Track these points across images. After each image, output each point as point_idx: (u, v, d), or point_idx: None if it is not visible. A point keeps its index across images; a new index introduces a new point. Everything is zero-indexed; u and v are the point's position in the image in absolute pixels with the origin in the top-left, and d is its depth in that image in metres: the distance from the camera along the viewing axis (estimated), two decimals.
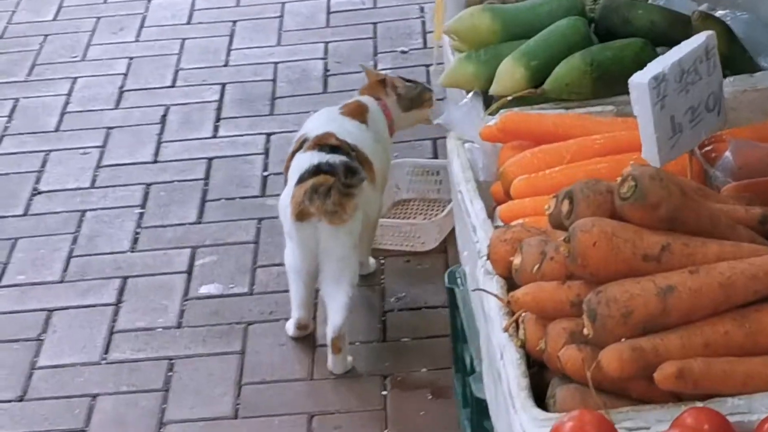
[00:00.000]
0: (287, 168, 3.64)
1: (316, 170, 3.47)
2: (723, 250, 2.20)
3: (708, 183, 2.72)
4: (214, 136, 4.76)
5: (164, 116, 4.93)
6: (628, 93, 3.09)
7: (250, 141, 4.69)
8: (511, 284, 2.33)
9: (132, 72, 5.28)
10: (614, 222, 2.20)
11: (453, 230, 3.79)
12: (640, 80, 2.53)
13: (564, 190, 2.46)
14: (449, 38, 3.41)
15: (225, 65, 5.27)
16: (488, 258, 2.41)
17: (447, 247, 3.95)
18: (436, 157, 4.47)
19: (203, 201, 4.38)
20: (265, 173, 4.51)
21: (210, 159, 4.61)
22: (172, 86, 5.14)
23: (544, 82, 3.10)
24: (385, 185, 3.89)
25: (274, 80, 5.12)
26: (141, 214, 4.34)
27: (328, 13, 5.62)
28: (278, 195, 3.68)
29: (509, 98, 3.08)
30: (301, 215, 3.44)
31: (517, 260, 2.31)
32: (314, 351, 3.63)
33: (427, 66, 5.04)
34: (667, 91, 2.52)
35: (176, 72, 5.25)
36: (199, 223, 4.26)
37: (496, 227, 2.74)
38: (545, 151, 2.80)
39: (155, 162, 4.63)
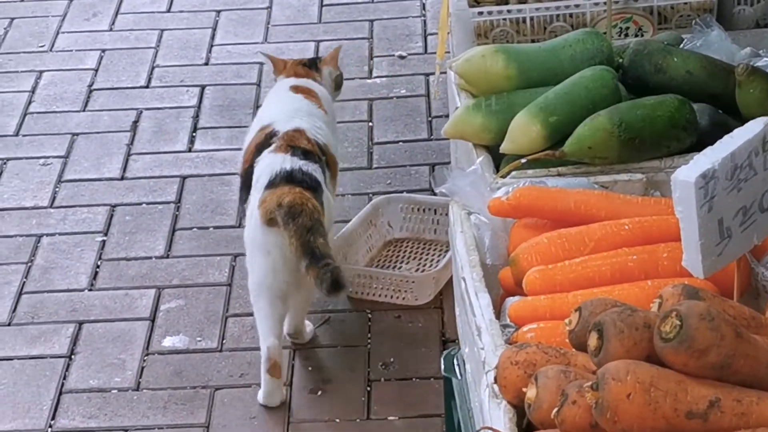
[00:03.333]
0: (247, 162, 3.34)
1: (289, 177, 3.22)
2: None
3: (753, 281, 2.41)
4: (190, 150, 4.31)
5: (136, 122, 4.49)
6: (659, 158, 2.75)
7: (228, 158, 4.24)
8: (521, 412, 2.05)
9: (103, 67, 4.82)
10: (653, 369, 1.92)
11: (450, 280, 3.40)
12: (685, 178, 2.18)
13: (588, 307, 2.14)
14: (455, 76, 3.01)
15: (206, 63, 4.82)
16: (495, 381, 2.12)
17: (443, 302, 3.51)
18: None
19: (173, 229, 3.93)
20: None
21: (183, 178, 4.17)
22: (147, 86, 4.69)
23: (564, 141, 2.72)
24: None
25: (258, 84, 4.67)
26: (103, 243, 3.90)
27: (321, 5, 5.16)
28: None
29: (523, 160, 2.72)
30: (272, 222, 3.16)
31: (531, 392, 2.03)
32: (288, 427, 3.18)
33: (427, 75, 4.60)
34: (717, 191, 2.19)
35: (152, 69, 4.79)
36: (167, 257, 3.81)
37: (504, 326, 2.39)
38: (564, 236, 2.55)
39: (122, 179, 4.19)
